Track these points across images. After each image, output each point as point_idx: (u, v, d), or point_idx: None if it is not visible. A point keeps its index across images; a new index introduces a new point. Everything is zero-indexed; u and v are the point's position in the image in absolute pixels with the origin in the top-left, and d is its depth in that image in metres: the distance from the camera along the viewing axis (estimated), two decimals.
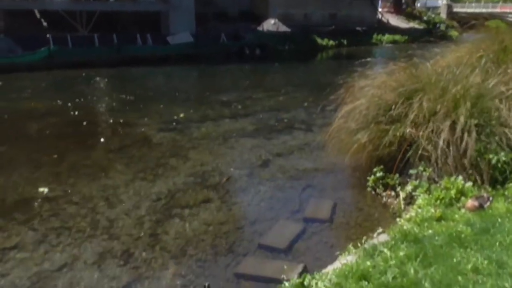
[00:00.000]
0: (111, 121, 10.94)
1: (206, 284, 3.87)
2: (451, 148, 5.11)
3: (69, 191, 6.44)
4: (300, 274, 4.09)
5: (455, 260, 3.52)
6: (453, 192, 4.84)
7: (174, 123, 9.98)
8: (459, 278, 3.27)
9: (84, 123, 10.34)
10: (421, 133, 5.27)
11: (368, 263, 3.65)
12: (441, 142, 5.05)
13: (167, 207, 6.02)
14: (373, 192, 5.98)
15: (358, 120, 6.07)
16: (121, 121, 10.41)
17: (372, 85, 6.45)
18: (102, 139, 9.31)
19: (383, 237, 4.28)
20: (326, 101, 7.00)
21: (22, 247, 5.01)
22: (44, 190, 6.42)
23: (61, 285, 4.41)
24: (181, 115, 10.65)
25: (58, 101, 12.60)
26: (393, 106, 5.72)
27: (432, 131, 5.20)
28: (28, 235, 5.26)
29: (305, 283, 3.61)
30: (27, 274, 4.56)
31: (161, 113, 11.05)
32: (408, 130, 5.38)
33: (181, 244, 5.13)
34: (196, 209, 5.97)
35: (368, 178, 6.01)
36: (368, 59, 7.95)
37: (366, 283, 3.39)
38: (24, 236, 5.24)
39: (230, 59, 22.27)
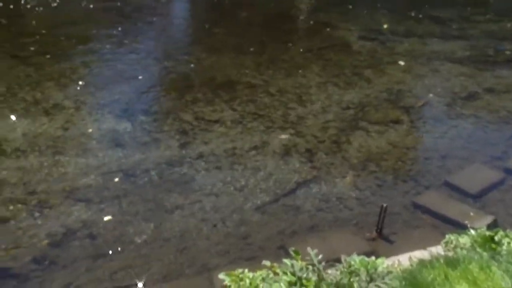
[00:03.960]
0: (313, 20, 10.88)
1: (384, 205, 3.82)
2: None
3: (267, 81, 6.83)
4: (488, 226, 3.72)
5: None
6: None
7: (376, 33, 9.42)
8: None
9: (288, 17, 10.53)
10: None
11: None
12: None
13: (355, 118, 5.95)
14: None
15: None
16: (323, 21, 10.27)
17: None
18: (302, 37, 9.42)
19: None
20: None
21: (223, 123, 5.62)
22: (246, 76, 6.95)
23: (249, 166, 4.89)
24: (385, 25, 9.96)
25: None
26: None
27: None
28: (228, 113, 5.86)
29: (496, 238, 3.27)
30: (224, 147, 5.16)
31: (364, 19, 10.49)
32: None
33: (363, 158, 5.10)
34: (383, 127, 5.77)
35: None
36: None
37: None
38: (226, 113, 5.85)
39: None
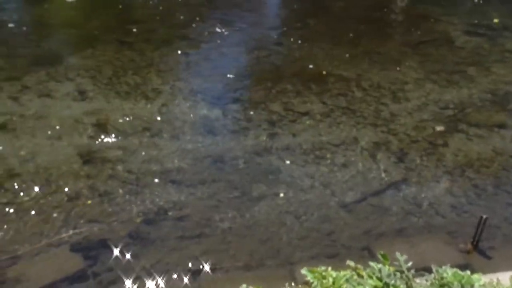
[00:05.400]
0: (413, 12, 10.31)
1: (483, 217, 3.53)
2: None
3: (360, 75, 6.61)
4: None
5: None
6: None
7: (484, 28, 8.68)
8: None
9: (386, 9, 10.08)
10: None
11: None
12: None
13: (454, 119, 5.57)
14: None
15: None
16: (424, 13, 9.68)
17: None
18: (399, 30, 8.97)
19: None
20: None
21: (312, 116, 5.55)
22: (338, 69, 6.78)
23: (337, 161, 4.78)
24: (495, 20, 9.13)
25: None
26: None
27: None
28: (318, 106, 5.77)
29: None
30: (311, 140, 5.10)
31: (471, 12, 9.72)
32: None
33: (460, 163, 4.76)
34: (486, 131, 5.33)
35: None
36: None
37: None
38: (315, 106, 5.76)
39: None
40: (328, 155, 4.87)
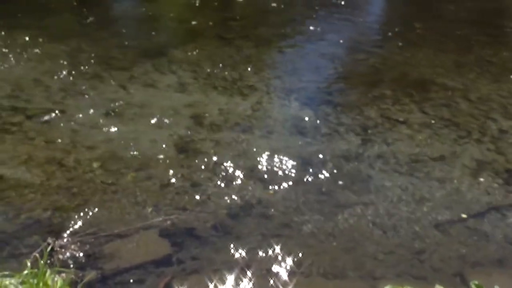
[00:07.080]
0: None
1: None
2: None
3: (467, 85, 6.12)
4: None
5: None
6: None
7: None
8: None
9: (503, 13, 9.24)
10: None
11: None
12: None
13: None
14: None
15: None
16: None
17: None
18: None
19: None
20: None
21: (410, 125, 5.26)
22: (443, 77, 6.35)
23: (433, 176, 4.48)
24: None
25: None
26: None
27: None
28: (417, 115, 5.45)
29: None
30: (407, 151, 4.83)
31: None
32: None
33: None
34: None
35: None
36: None
37: None
38: (414, 115, 5.46)
39: None
40: (424, 169, 4.58)
